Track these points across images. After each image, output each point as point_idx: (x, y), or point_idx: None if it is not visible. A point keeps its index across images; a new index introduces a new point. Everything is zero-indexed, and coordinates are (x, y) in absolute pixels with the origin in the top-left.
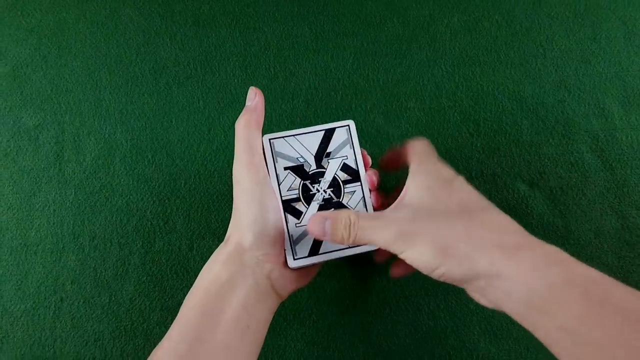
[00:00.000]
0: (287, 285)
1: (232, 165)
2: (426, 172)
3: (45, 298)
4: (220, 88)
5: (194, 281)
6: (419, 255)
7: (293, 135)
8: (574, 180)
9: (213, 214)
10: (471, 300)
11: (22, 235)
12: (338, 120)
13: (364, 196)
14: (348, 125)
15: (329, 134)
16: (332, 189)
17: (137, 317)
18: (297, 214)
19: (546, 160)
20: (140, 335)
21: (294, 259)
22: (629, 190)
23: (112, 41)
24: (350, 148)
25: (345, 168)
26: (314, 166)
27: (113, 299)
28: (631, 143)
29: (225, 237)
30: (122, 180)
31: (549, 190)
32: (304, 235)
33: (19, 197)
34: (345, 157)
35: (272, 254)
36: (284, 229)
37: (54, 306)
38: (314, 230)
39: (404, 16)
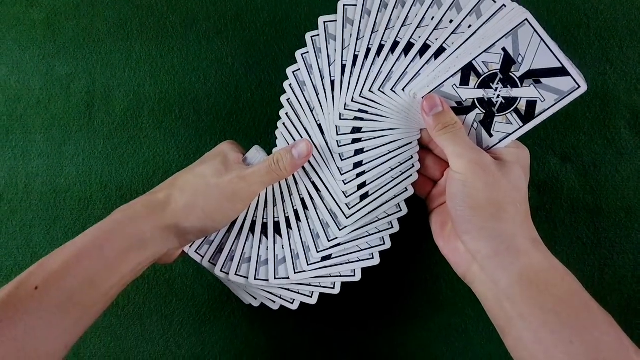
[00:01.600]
0: (164, 261)
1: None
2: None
3: None
4: (249, 45)
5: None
6: (472, 190)
7: (542, 40)
8: (609, 156)
9: None
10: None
11: (51, 181)
12: None
13: (510, 136)
14: (578, 87)
15: (559, 72)
16: (503, 102)
17: (160, 267)
18: (465, 81)
19: (581, 135)
20: (163, 284)
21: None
22: None
23: None
24: (555, 102)
25: (530, 104)
26: (519, 73)
27: None
28: None
29: (167, 194)
30: (150, 133)
31: (582, 165)
32: (446, 97)
33: (50, 145)
34: (542, 100)
35: (187, 241)
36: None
37: None
38: (428, 103)
39: None
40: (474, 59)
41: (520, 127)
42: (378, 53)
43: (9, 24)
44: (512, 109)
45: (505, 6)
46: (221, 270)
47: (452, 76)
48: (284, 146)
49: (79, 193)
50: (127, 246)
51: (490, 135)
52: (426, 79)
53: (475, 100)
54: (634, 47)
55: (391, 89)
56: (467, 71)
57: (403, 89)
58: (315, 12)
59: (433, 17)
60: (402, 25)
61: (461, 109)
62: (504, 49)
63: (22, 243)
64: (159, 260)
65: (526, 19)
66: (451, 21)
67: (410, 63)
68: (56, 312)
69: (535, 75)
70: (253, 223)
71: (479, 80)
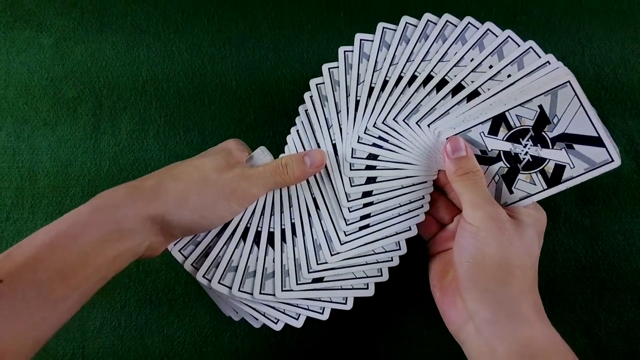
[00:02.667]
0: (145, 255)
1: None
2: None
3: None
4: (253, 70)
5: None
6: (483, 245)
7: (581, 105)
8: (606, 180)
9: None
10: None
11: (57, 202)
12: None
13: (531, 197)
14: (612, 161)
15: (594, 141)
16: (530, 157)
17: (162, 287)
18: (494, 131)
19: None
20: (165, 304)
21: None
22: None
23: (152, 19)
24: (585, 171)
25: (558, 168)
26: (553, 134)
27: (140, 269)
28: None
29: (156, 182)
30: (155, 155)
31: (579, 189)
32: (470, 144)
33: (56, 165)
34: (572, 167)
35: (172, 236)
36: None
37: None
38: (452, 145)
39: (441, 7)
40: (507, 110)
41: (544, 190)
42: (410, 83)
43: (18, 48)
44: (538, 169)
45: (549, 63)
46: (203, 276)
47: (481, 123)
48: (292, 153)
49: None
50: (102, 235)
51: (511, 192)
52: (454, 120)
53: (502, 152)
54: (627, 74)
55: (416, 123)
56: (498, 121)
57: (428, 125)
58: (317, 39)
59: (473, 59)
60: (439, 60)
61: (485, 159)
62: (540, 106)
63: None
64: (142, 255)
65: (569, 81)
66: (491, 66)
67: (440, 100)
68: (23, 307)
69: (568, 140)
70: (246, 230)
71: (509, 133)
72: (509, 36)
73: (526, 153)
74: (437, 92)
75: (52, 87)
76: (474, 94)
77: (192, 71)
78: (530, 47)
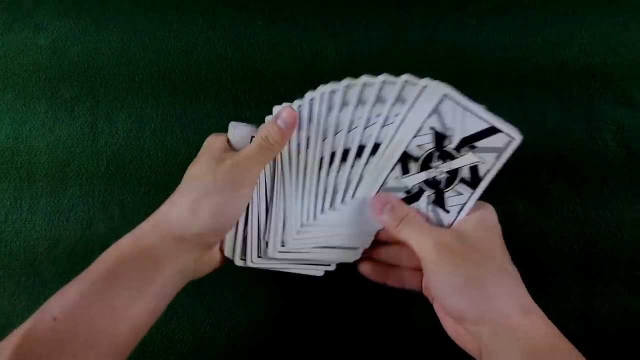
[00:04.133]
0: (204, 271)
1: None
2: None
3: (75, 262)
4: (247, 66)
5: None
6: (449, 277)
7: (464, 108)
8: (597, 168)
9: None
10: None
11: (55, 202)
12: None
13: (465, 205)
14: (512, 140)
15: (490, 132)
16: (447, 176)
17: None
18: (405, 170)
19: (569, 147)
20: None
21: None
22: None
23: (147, 18)
24: (496, 159)
25: (473, 170)
26: (453, 145)
27: None
28: None
29: (169, 203)
30: (152, 152)
31: (571, 177)
32: (395, 190)
33: (54, 166)
34: (483, 163)
35: (195, 249)
36: (380, 175)
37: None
38: (378, 202)
39: (434, 2)
40: (407, 147)
41: (472, 194)
42: (330, 162)
43: (16, 49)
44: (457, 180)
45: (426, 87)
46: (240, 259)
47: (391, 170)
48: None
49: (82, 213)
50: (140, 267)
51: (447, 212)
52: (370, 181)
53: (422, 183)
54: (616, 63)
55: (340, 202)
56: (405, 159)
57: (352, 197)
58: (311, 34)
59: (361, 117)
60: (334, 134)
61: (412, 197)
62: (432, 128)
63: (25, 263)
64: (196, 273)
65: (444, 94)
66: (378, 115)
67: (351, 169)
68: (79, 347)
69: (468, 142)
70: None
71: (419, 164)
72: (406, 80)
73: (441, 173)
74: (345, 163)
75: (49, 87)
76: (375, 147)
77: (187, 69)
78: (406, 81)
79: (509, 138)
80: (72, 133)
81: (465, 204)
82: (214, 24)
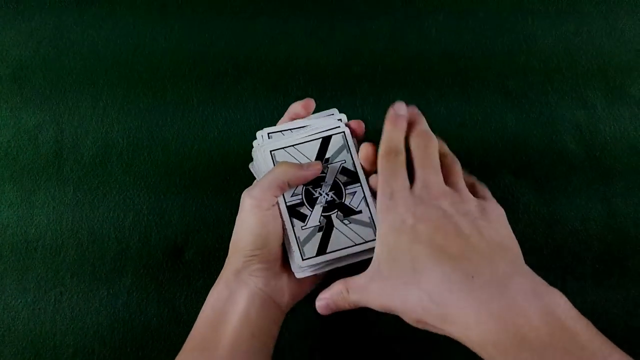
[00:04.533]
0: (285, 295)
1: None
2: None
3: (45, 292)
4: (213, 86)
5: (190, 274)
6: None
7: (292, 146)
8: (559, 169)
9: (207, 208)
10: None
11: (22, 231)
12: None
13: (364, 196)
14: (343, 132)
15: (326, 141)
16: (333, 192)
17: (134, 309)
18: (302, 217)
19: (531, 151)
20: (138, 327)
21: (303, 259)
22: (613, 179)
23: (109, 43)
24: (348, 152)
25: (344, 171)
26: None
27: (111, 292)
28: (614, 133)
29: (226, 260)
30: (119, 177)
31: (535, 179)
32: (310, 236)
33: (20, 195)
34: (344, 162)
35: (263, 268)
36: (288, 234)
37: (54, 300)
38: (323, 312)
39: (393, 12)
40: (286, 203)
41: (361, 185)
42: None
43: None
44: (342, 186)
45: (259, 147)
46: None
47: (293, 227)
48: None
49: (51, 241)
50: (221, 301)
51: (360, 212)
52: (291, 241)
53: (323, 214)
54: (572, 67)
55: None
56: (294, 212)
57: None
58: (277, 49)
59: None
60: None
61: (327, 229)
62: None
63: None
64: (280, 299)
65: (270, 151)
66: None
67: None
68: None
69: (322, 160)
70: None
71: (306, 202)
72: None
73: (326, 194)
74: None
75: (12, 117)
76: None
77: (152, 91)
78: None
79: (341, 134)
80: (37, 160)
81: (364, 196)
82: (177, 46)
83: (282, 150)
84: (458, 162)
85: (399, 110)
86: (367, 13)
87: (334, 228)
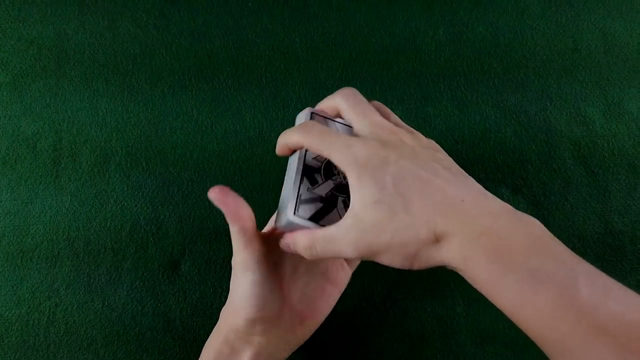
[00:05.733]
0: (286, 349)
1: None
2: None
3: (39, 303)
4: (213, 97)
5: (186, 286)
6: (389, 262)
7: (334, 120)
8: (557, 186)
9: (205, 220)
10: (458, 304)
11: (18, 241)
12: None
13: None
14: None
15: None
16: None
17: (129, 322)
18: (313, 182)
19: (529, 167)
20: (132, 340)
21: (294, 214)
22: (611, 196)
23: (110, 52)
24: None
25: None
26: None
27: (106, 304)
28: (612, 150)
29: (219, 319)
30: (117, 187)
31: (532, 195)
32: (312, 201)
33: (17, 204)
34: None
35: (265, 329)
36: (291, 187)
37: (49, 311)
38: (283, 246)
39: (391, 28)
40: (305, 160)
41: None
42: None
43: None
44: None
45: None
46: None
47: (301, 183)
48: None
49: (46, 251)
50: None
51: None
52: (288, 196)
53: (333, 190)
54: (570, 83)
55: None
56: (309, 173)
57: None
58: (275, 64)
59: None
60: None
61: (329, 204)
62: None
63: None
64: (290, 351)
65: (311, 112)
66: None
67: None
68: None
69: None
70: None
71: (322, 174)
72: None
73: (344, 177)
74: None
75: (10, 124)
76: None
77: (152, 101)
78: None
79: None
80: (35, 169)
81: None
82: (177, 56)
83: (323, 118)
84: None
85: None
86: (366, 27)
87: (336, 208)
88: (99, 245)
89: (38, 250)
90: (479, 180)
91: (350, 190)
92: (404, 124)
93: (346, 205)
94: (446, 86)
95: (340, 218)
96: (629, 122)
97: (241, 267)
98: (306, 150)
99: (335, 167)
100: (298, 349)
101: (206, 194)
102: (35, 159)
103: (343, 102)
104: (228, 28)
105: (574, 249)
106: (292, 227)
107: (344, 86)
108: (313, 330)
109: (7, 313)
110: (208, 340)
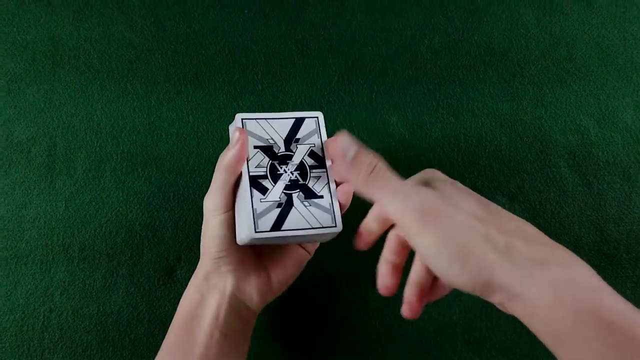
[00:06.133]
0: (255, 296)
1: None
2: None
3: (34, 309)
4: (208, 103)
5: (182, 292)
6: (432, 248)
7: (265, 119)
8: (552, 194)
9: (201, 226)
10: (454, 310)
11: (12, 246)
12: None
13: (328, 182)
14: (317, 117)
15: (299, 122)
16: (298, 172)
17: (124, 328)
18: (263, 190)
19: (525, 175)
20: (128, 346)
21: (255, 232)
22: (606, 204)
23: (105, 57)
24: (318, 137)
25: (312, 154)
26: (282, 149)
27: (101, 309)
28: (607, 158)
29: (198, 265)
30: (112, 192)
31: (528, 203)
32: (267, 211)
33: (11, 209)
34: (313, 145)
35: (232, 270)
36: (244, 204)
37: (43, 317)
38: (338, 147)
39: (387, 36)
40: (248, 172)
41: (327, 170)
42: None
43: None
44: (308, 169)
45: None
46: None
47: (252, 197)
48: None
49: (41, 257)
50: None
51: (322, 197)
52: (244, 211)
53: (284, 191)
54: (565, 92)
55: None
56: (256, 183)
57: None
58: (271, 71)
59: None
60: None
61: (286, 205)
62: (255, 147)
63: None
64: (263, 299)
65: (241, 119)
66: None
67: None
68: None
69: (291, 139)
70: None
71: (269, 179)
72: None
73: (291, 173)
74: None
75: (4, 129)
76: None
77: (147, 107)
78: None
79: (314, 119)
80: (29, 175)
81: (328, 182)
82: (173, 62)
83: (253, 120)
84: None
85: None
86: (362, 35)
87: (294, 207)
88: (94, 251)
89: (32, 256)
90: (474, 188)
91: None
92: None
93: (303, 199)
94: (442, 94)
95: (300, 214)
96: (624, 130)
97: (212, 209)
98: (247, 161)
99: (279, 167)
100: (295, 354)
101: (201, 200)
102: (30, 164)
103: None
104: (224, 34)
105: None
106: (257, 242)
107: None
108: (281, 289)
109: (1, 319)
110: (184, 293)
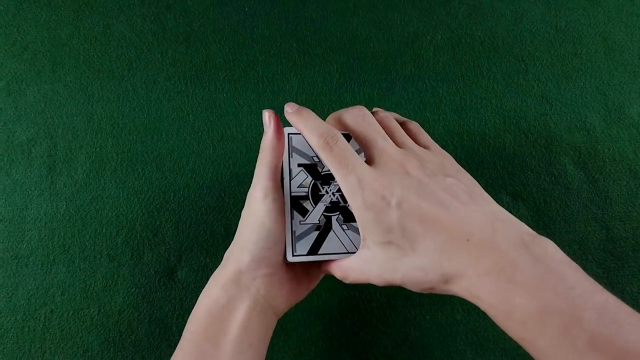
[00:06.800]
0: (283, 303)
1: (222, 178)
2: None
3: (35, 310)
4: (209, 103)
5: (182, 293)
6: (411, 289)
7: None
8: (557, 192)
9: (202, 226)
10: (457, 311)
11: (13, 247)
12: None
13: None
14: None
15: (346, 139)
16: (340, 193)
17: (125, 328)
18: (303, 212)
19: (529, 173)
20: (129, 347)
21: (293, 255)
22: (611, 202)
23: (105, 57)
24: (364, 157)
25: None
26: (326, 167)
27: (102, 310)
28: (613, 155)
29: (223, 260)
30: (113, 193)
31: (533, 201)
32: (306, 233)
33: (11, 210)
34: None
35: (268, 274)
36: (286, 226)
37: (44, 318)
38: (323, 271)
39: (389, 33)
40: (291, 192)
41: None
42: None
43: None
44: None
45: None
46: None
47: (292, 219)
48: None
49: (41, 257)
50: (212, 314)
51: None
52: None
53: (324, 214)
54: (570, 88)
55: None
56: (297, 204)
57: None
58: (272, 70)
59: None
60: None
61: (325, 228)
62: (299, 165)
63: None
64: (288, 305)
65: (288, 134)
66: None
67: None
68: None
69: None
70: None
71: (310, 200)
72: None
73: (333, 194)
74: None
75: (4, 130)
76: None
77: (148, 106)
78: None
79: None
80: (30, 175)
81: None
82: (173, 61)
83: (299, 135)
84: (390, 118)
85: (291, 107)
86: (364, 32)
87: (332, 231)
88: (95, 252)
89: (33, 257)
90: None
91: (359, 227)
92: (413, 143)
93: (344, 220)
94: (445, 91)
95: (338, 239)
96: (630, 127)
97: (260, 196)
98: (290, 180)
99: (323, 183)
100: (296, 355)
101: (202, 200)
102: (30, 164)
103: (350, 125)
104: (224, 33)
105: (574, 255)
106: (300, 261)
107: (343, 90)
108: (304, 295)
109: (2, 320)
110: (205, 288)
